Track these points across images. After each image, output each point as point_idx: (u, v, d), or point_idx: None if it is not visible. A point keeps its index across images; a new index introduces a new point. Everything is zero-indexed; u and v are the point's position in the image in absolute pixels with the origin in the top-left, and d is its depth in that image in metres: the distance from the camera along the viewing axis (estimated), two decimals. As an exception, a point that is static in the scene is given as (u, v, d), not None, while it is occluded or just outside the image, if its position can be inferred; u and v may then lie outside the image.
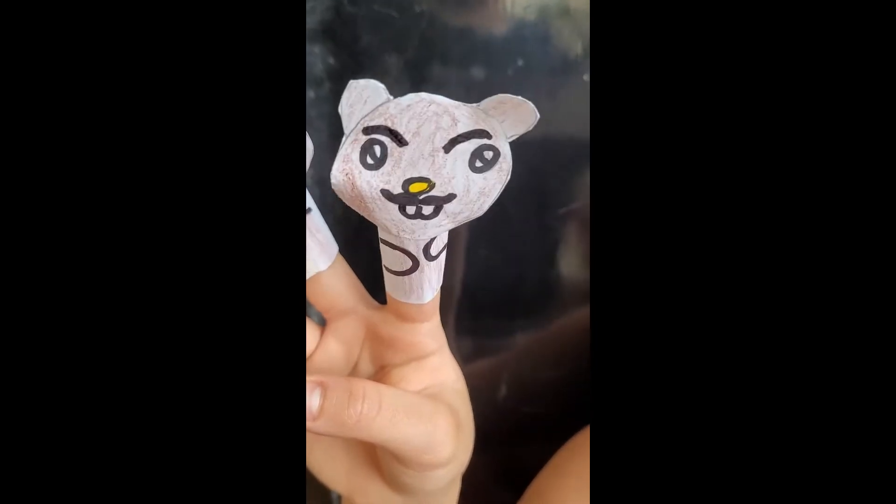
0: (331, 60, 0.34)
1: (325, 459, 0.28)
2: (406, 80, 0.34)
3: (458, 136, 0.20)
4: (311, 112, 0.35)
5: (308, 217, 0.25)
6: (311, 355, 0.27)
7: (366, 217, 0.22)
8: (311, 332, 0.27)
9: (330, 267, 0.26)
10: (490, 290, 0.40)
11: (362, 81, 0.19)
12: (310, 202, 0.25)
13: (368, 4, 0.33)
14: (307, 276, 0.25)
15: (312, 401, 0.21)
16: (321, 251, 0.25)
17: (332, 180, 0.21)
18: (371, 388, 0.22)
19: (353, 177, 0.21)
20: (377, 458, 0.28)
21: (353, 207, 0.22)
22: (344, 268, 0.27)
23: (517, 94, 0.19)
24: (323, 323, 0.28)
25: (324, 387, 0.22)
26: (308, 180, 0.25)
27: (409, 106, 0.19)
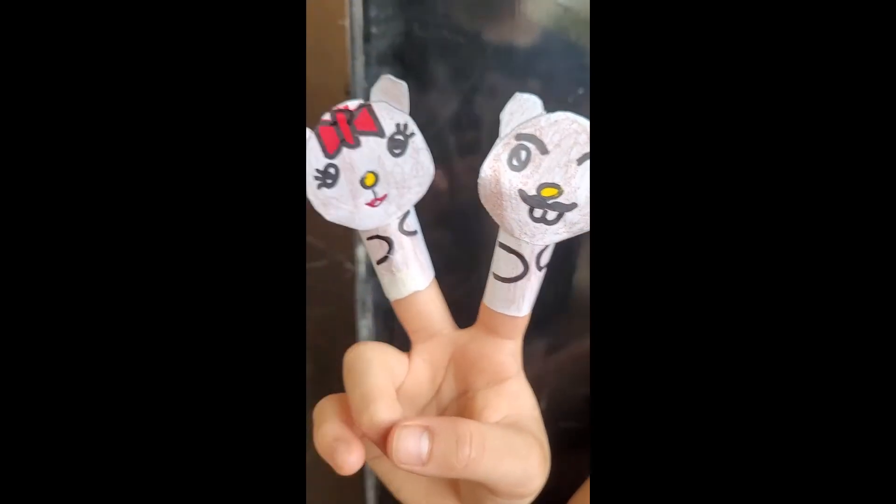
0: (398, 83, 0.36)
1: (405, 480, 0.28)
2: (463, 93, 0.36)
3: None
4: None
5: (412, 239, 0.26)
6: (402, 382, 0.27)
7: (494, 217, 0.24)
8: (400, 360, 0.27)
9: (427, 287, 0.27)
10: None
11: (525, 95, 0.22)
12: (415, 225, 0.26)
13: (439, 30, 0.35)
14: (404, 295, 0.26)
15: (421, 446, 0.22)
16: (421, 271, 0.26)
17: (481, 173, 0.23)
18: (476, 430, 0.22)
19: (499, 174, 0.23)
20: (455, 482, 0.28)
21: (488, 206, 0.24)
22: (438, 291, 0.27)
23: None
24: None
25: (431, 431, 0.22)
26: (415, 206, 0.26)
27: (556, 121, 0.22)
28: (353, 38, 0.35)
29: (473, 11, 0.35)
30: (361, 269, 0.39)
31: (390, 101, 0.24)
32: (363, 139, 0.24)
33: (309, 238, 0.38)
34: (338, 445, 0.22)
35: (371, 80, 0.36)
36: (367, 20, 0.34)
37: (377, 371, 0.24)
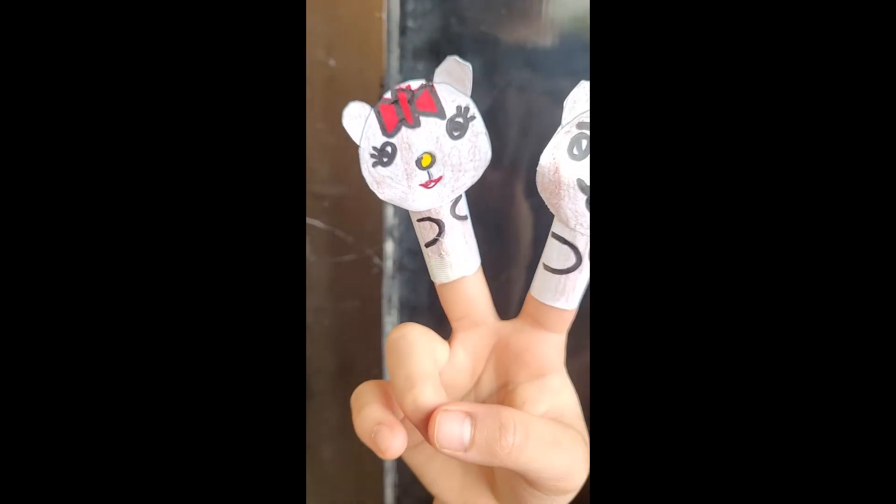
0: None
1: (440, 473, 0.28)
2: (498, 89, 0.36)
3: None
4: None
5: (463, 223, 0.26)
6: (442, 370, 0.26)
7: (550, 207, 0.24)
8: (443, 347, 0.27)
9: (474, 273, 0.26)
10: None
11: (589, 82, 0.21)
12: (466, 209, 0.26)
13: (476, 25, 0.34)
14: (452, 279, 0.26)
15: (463, 431, 0.21)
16: (470, 256, 0.26)
17: (541, 161, 0.23)
18: (519, 418, 0.22)
19: (559, 163, 0.23)
20: (490, 476, 0.28)
21: (545, 195, 0.24)
22: (483, 279, 0.27)
23: None
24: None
25: (473, 417, 0.21)
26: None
27: None
28: (389, 31, 0.34)
29: (511, 7, 0.34)
30: (389, 264, 0.39)
31: (454, 82, 0.24)
32: (423, 119, 0.24)
33: (338, 231, 0.38)
34: (380, 429, 0.22)
35: (406, 73, 0.36)
36: (404, 13, 0.34)
37: (422, 353, 0.24)
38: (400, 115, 0.24)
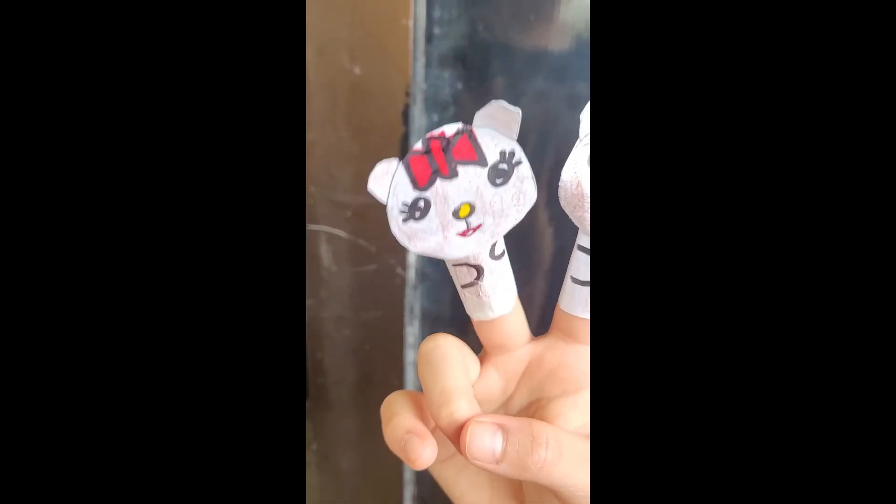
0: (459, 86, 0.35)
1: (469, 487, 0.27)
2: (526, 97, 0.35)
3: None
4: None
5: (501, 262, 0.24)
6: (474, 384, 0.26)
7: (574, 220, 0.23)
8: (475, 361, 0.26)
9: (513, 309, 0.25)
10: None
11: None
12: (503, 246, 0.25)
13: (503, 32, 0.34)
14: (490, 319, 0.25)
15: (495, 443, 0.21)
16: (508, 294, 0.25)
17: (563, 176, 0.22)
18: (552, 432, 0.22)
19: (580, 177, 0.22)
20: (519, 491, 0.27)
21: (568, 209, 0.22)
22: (521, 308, 0.26)
23: None
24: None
25: (505, 430, 0.21)
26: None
27: None
28: (415, 39, 0.34)
29: (539, 15, 0.34)
30: (412, 274, 0.39)
31: (498, 127, 0.22)
32: (461, 169, 0.22)
33: (360, 241, 0.38)
34: (410, 438, 0.22)
35: (431, 81, 0.35)
36: (430, 20, 0.34)
37: (457, 366, 0.23)
38: (433, 166, 0.22)
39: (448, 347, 0.24)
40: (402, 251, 0.38)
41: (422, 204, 0.22)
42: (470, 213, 0.22)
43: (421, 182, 0.22)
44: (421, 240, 0.23)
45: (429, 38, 0.34)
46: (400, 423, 0.23)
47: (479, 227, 0.23)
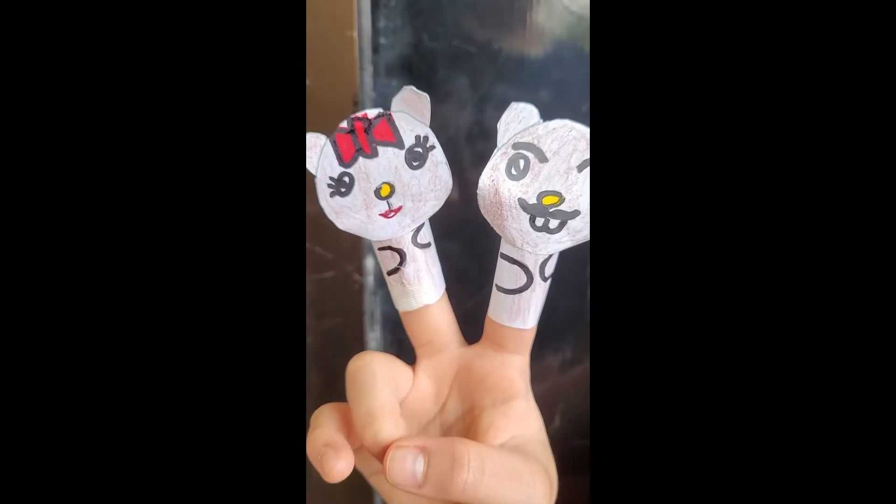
0: (407, 93, 0.36)
1: (406, 497, 0.27)
2: (472, 103, 0.36)
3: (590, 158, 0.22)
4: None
5: (425, 251, 0.26)
6: (405, 397, 0.26)
7: (495, 227, 0.24)
8: (405, 373, 0.27)
9: (437, 301, 0.26)
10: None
11: (521, 104, 0.22)
12: (429, 237, 0.26)
13: (448, 40, 0.34)
14: (414, 308, 0.26)
15: (416, 467, 0.21)
16: (433, 284, 0.26)
17: (479, 185, 0.23)
18: (474, 451, 0.21)
19: (497, 184, 0.23)
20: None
21: (488, 217, 0.23)
22: (447, 305, 0.27)
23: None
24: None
25: (426, 452, 0.21)
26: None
27: (554, 129, 0.22)
28: (361, 49, 0.35)
29: (484, 21, 0.34)
30: (370, 280, 0.39)
31: (412, 112, 0.23)
32: (381, 149, 0.24)
33: (317, 248, 0.38)
34: (326, 451, 0.22)
35: (379, 90, 0.36)
36: (375, 31, 0.34)
37: (382, 385, 0.24)
38: (357, 144, 0.24)
39: (375, 366, 0.24)
40: (359, 257, 0.38)
41: (347, 179, 0.24)
42: (390, 193, 0.24)
43: (345, 157, 0.24)
44: (347, 216, 0.25)
45: (375, 48, 0.35)
46: (319, 435, 0.23)
47: (399, 209, 0.24)
